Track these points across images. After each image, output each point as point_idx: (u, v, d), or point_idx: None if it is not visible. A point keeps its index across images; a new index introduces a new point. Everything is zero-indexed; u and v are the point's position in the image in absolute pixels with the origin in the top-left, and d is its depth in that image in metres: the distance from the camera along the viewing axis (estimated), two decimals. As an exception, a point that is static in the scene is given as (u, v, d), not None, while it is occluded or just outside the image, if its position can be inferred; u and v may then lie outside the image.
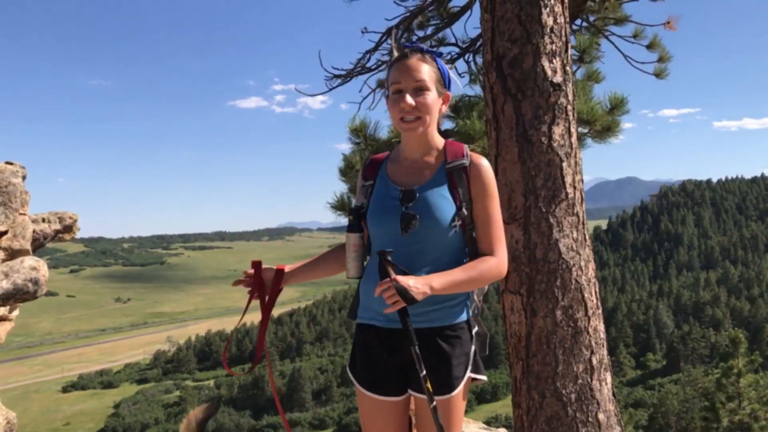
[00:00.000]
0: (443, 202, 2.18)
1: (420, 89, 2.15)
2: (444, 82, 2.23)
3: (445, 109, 2.26)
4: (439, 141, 2.29)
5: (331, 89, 6.64)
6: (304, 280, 2.50)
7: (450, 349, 2.18)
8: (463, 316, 2.25)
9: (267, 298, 2.41)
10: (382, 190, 2.28)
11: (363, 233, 2.29)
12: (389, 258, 2.08)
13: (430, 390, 2.08)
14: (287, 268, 2.44)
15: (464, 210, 2.19)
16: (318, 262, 2.49)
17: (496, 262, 2.19)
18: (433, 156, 2.27)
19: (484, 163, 2.24)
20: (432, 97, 2.17)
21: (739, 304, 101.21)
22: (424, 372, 2.07)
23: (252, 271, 2.41)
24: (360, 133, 6.05)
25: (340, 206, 6.11)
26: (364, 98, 6.71)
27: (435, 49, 2.28)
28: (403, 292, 1.96)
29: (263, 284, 2.40)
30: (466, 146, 2.29)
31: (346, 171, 6.30)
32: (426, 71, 2.16)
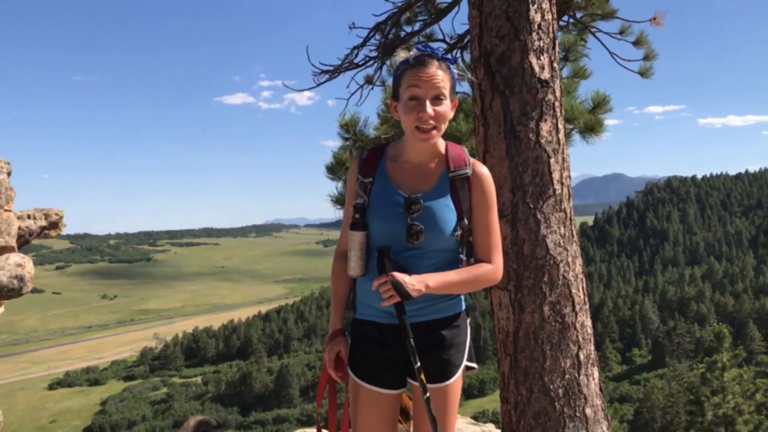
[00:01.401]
0: (447, 213, 2.21)
1: (438, 98, 2.15)
2: (453, 89, 2.23)
3: (451, 115, 2.25)
4: (441, 145, 2.30)
5: (318, 84, 6.60)
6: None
7: (450, 339, 2.26)
8: (461, 307, 2.34)
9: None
10: (384, 190, 2.27)
11: (367, 231, 2.27)
12: (388, 254, 2.15)
13: (424, 381, 2.16)
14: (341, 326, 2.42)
15: (465, 220, 2.24)
16: (346, 295, 2.44)
17: (492, 269, 2.26)
18: (435, 162, 2.28)
19: (485, 172, 2.28)
20: (447, 105, 2.17)
21: (724, 299, 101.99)
22: (419, 364, 2.15)
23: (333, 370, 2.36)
24: (350, 128, 6.04)
25: (340, 200, 6.12)
26: (352, 94, 6.69)
27: (450, 56, 2.26)
28: (399, 287, 2.04)
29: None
30: (466, 151, 2.31)
31: (335, 169, 6.29)
32: (444, 79, 2.16)
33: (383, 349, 2.28)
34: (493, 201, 2.27)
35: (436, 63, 2.16)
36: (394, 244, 2.19)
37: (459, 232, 2.23)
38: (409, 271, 2.13)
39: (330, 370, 2.33)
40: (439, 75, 2.15)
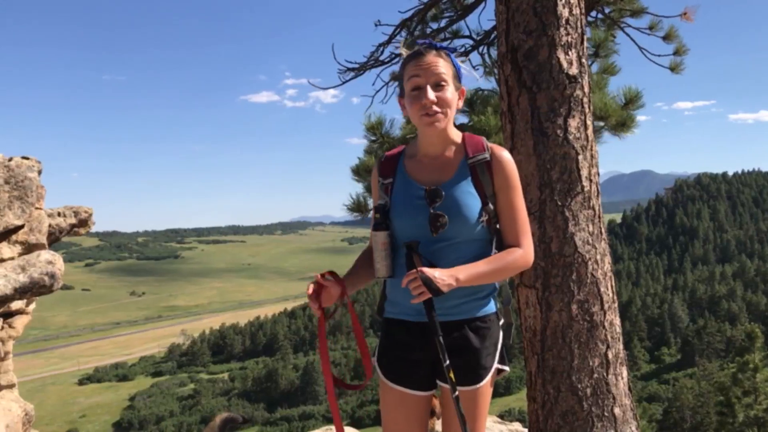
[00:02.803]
0: (470, 199, 2.18)
1: (439, 84, 2.14)
2: (458, 78, 2.23)
3: (460, 104, 2.25)
4: (457, 135, 2.28)
5: (344, 82, 6.61)
6: (355, 290, 2.39)
7: (479, 341, 2.21)
8: (492, 308, 2.28)
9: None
10: (404, 188, 2.27)
11: (390, 231, 2.26)
12: (416, 249, 2.12)
13: (453, 380, 2.12)
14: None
15: (490, 205, 2.20)
16: (363, 267, 2.39)
17: (522, 254, 2.22)
18: (453, 151, 2.26)
19: (506, 156, 2.25)
20: (451, 91, 2.17)
21: (756, 298, 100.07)
22: (447, 362, 2.11)
23: (320, 281, 2.24)
24: (376, 130, 6.04)
25: (356, 208, 6.13)
26: (377, 91, 6.67)
27: (447, 44, 2.27)
28: (429, 283, 2.00)
29: (329, 297, 2.25)
30: (484, 139, 2.28)
31: (360, 172, 6.30)
32: (443, 66, 2.16)
33: (412, 350, 2.26)
34: (516, 183, 2.24)
35: (434, 52, 2.17)
36: (420, 237, 2.17)
37: (485, 218, 2.19)
38: (437, 266, 2.11)
39: (311, 301, 2.22)
40: (438, 62, 2.15)
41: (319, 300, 2.23)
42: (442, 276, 2.03)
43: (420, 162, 2.29)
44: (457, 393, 2.12)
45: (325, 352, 2.38)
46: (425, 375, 2.29)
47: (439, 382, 2.30)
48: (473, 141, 2.27)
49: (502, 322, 2.32)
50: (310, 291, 2.22)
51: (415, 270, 2.03)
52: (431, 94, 2.12)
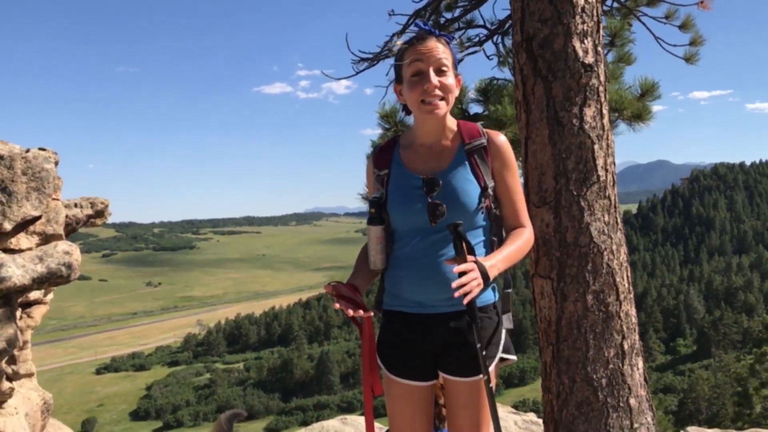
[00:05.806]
0: (468, 186, 2.16)
1: (441, 69, 2.13)
2: (456, 66, 2.21)
3: (457, 92, 2.22)
4: (453, 123, 2.27)
5: (358, 72, 6.59)
6: (365, 288, 2.37)
7: (484, 329, 2.19)
8: (491, 297, 2.26)
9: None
10: (401, 179, 2.25)
11: (385, 224, 2.25)
12: (462, 233, 2.03)
13: (487, 366, 2.10)
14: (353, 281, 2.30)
15: (489, 190, 2.19)
16: (365, 264, 2.36)
17: (530, 233, 2.24)
18: (449, 139, 2.25)
19: (502, 139, 2.24)
20: (452, 78, 2.16)
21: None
22: (485, 352, 2.10)
23: (338, 293, 2.18)
24: (390, 118, 6.02)
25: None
26: (391, 82, 6.65)
27: (460, 34, 2.27)
28: (485, 272, 1.95)
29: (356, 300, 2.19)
30: (479, 125, 2.28)
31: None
32: (444, 52, 2.14)
33: (413, 342, 2.25)
34: (513, 166, 2.24)
35: (434, 38, 2.16)
36: (418, 227, 2.16)
37: (485, 204, 2.18)
38: (473, 247, 2.06)
39: (341, 304, 2.12)
40: (439, 48, 2.14)
41: (350, 300, 2.15)
42: (487, 264, 1.98)
43: (416, 151, 2.27)
44: (487, 376, 2.11)
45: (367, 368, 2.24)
46: (427, 366, 2.27)
47: (441, 373, 2.29)
48: (468, 127, 2.26)
49: (507, 316, 2.29)
50: (337, 302, 2.13)
51: (473, 260, 1.95)
52: (434, 79, 2.10)
